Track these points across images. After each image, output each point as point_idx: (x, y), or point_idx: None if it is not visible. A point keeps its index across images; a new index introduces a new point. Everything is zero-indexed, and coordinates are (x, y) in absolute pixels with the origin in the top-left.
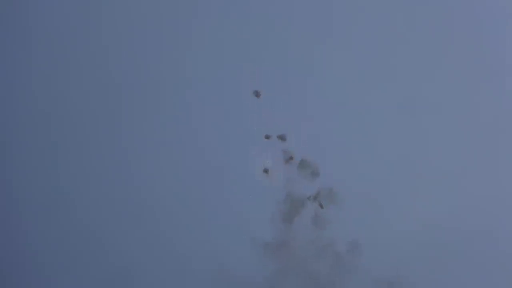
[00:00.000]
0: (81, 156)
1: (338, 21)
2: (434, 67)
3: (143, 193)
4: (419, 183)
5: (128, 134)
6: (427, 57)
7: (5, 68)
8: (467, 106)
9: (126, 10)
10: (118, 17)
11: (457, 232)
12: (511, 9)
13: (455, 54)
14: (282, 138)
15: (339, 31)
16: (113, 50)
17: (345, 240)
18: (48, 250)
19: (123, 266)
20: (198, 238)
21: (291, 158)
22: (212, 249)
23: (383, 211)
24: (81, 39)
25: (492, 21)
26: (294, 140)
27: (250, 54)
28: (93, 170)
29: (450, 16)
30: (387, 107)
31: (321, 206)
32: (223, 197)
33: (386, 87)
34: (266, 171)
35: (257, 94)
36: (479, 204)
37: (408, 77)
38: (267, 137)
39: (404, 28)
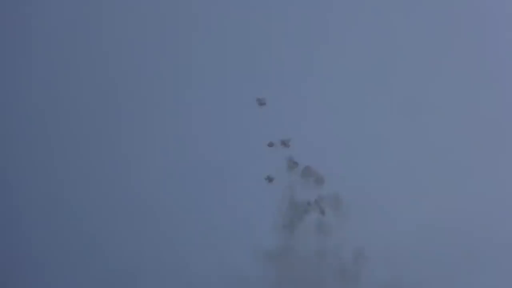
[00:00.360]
0: (81, 156)
1: (340, 23)
2: (436, 69)
3: (143, 195)
4: (426, 189)
5: (129, 136)
6: (429, 58)
7: (5, 68)
8: (473, 108)
9: (127, 11)
10: (118, 18)
11: (465, 238)
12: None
13: (456, 55)
14: (285, 144)
15: (341, 33)
16: (113, 51)
17: (349, 247)
18: (47, 250)
19: (123, 270)
20: (198, 243)
21: (295, 164)
22: (213, 255)
23: (388, 217)
24: (81, 39)
25: (493, 21)
26: (297, 146)
27: (251, 55)
28: (93, 172)
29: (450, 16)
30: (391, 111)
31: (322, 213)
32: (225, 202)
33: (388, 91)
34: (270, 179)
35: (260, 102)
36: (489, 210)
37: (413, 81)
38: (271, 144)
39: (406, 29)
